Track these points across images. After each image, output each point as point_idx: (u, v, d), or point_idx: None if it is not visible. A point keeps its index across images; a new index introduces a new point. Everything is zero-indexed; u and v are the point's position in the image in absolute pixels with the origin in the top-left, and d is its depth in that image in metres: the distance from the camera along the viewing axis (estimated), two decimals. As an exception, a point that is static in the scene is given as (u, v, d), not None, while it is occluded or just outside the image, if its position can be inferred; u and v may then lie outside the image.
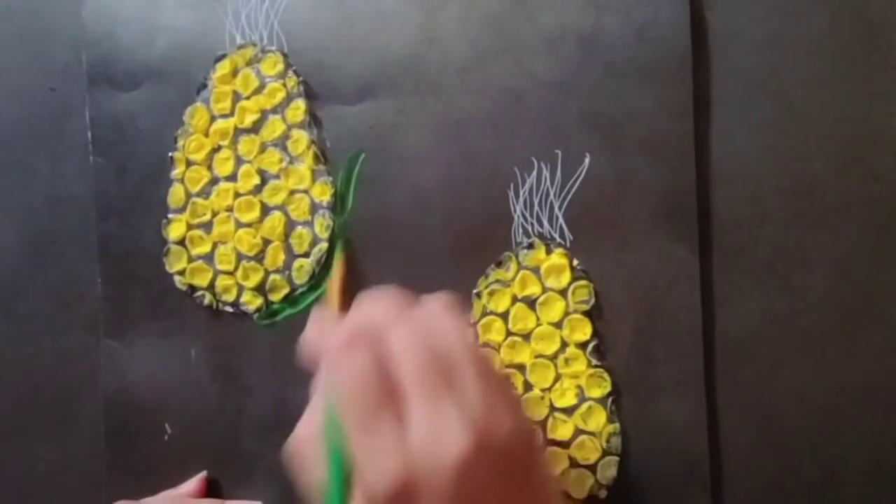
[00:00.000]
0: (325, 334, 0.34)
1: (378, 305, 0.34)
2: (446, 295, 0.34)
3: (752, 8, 0.42)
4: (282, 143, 0.46)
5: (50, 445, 0.51)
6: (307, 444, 0.32)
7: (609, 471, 0.42)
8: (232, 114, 0.47)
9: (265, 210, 0.47)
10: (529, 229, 0.44)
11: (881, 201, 0.41)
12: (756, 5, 0.42)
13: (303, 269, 0.46)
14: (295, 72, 0.46)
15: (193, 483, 0.47)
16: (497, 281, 0.44)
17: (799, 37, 0.42)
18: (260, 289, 0.47)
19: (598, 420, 0.42)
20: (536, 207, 0.43)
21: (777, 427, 0.41)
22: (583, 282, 0.43)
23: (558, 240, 0.43)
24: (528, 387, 0.43)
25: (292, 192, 0.46)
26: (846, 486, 0.41)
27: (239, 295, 0.47)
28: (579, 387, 0.42)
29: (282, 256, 0.47)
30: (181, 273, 0.48)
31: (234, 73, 0.47)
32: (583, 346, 0.43)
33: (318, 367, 0.34)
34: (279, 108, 0.47)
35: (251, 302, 0.47)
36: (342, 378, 0.31)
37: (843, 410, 0.41)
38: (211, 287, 0.48)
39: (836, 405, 0.41)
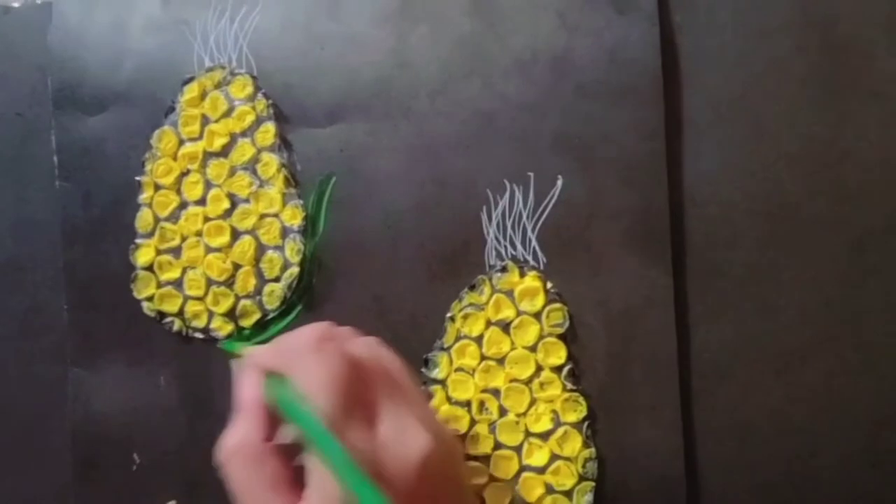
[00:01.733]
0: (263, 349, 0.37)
1: (313, 328, 0.36)
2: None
3: (721, 30, 0.42)
4: (251, 166, 0.46)
5: (16, 475, 0.50)
6: (247, 447, 0.33)
7: (585, 496, 0.41)
8: (200, 137, 0.46)
9: (235, 234, 0.46)
10: (503, 252, 0.43)
11: (853, 221, 0.41)
12: (725, 28, 0.42)
13: (274, 293, 0.46)
14: (265, 94, 0.46)
15: (162, 514, 0.47)
16: (471, 304, 0.43)
17: (768, 59, 0.42)
18: (230, 314, 0.46)
19: (574, 445, 0.42)
20: (509, 230, 0.43)
21: (753, 448, 0.41)
22: (557, 305, 0.42)
23: (532, 262, 0.43)
24: (502, 412, 0.43)
25: (262, 216, 0.46)
26: (827, 502, 0.41)
27: (209, 321, 0.46)
28: (554, 411, 0.42)
29: (252, 281, 0.46)
30: (150, 299, 0.47)
31: (203, 96, 0.47)
32: (558, 369, 0.42)
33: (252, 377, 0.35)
34: (249, 132, 0.46)
35: (221, 328, 0.46)
36: (319, 375, 0.32)
37: (818, 431, 0.41)
38: (180, 313, 0.47)
39: (812, 426, 0.41)
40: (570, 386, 0.42)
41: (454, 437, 0.36)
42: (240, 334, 0.46)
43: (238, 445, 0.34)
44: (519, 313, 0.43)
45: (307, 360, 0.33)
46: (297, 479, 0.32)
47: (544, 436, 0.42)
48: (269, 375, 0.35)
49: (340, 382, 0.32)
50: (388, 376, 0.35)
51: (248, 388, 0.36)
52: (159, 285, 0.47)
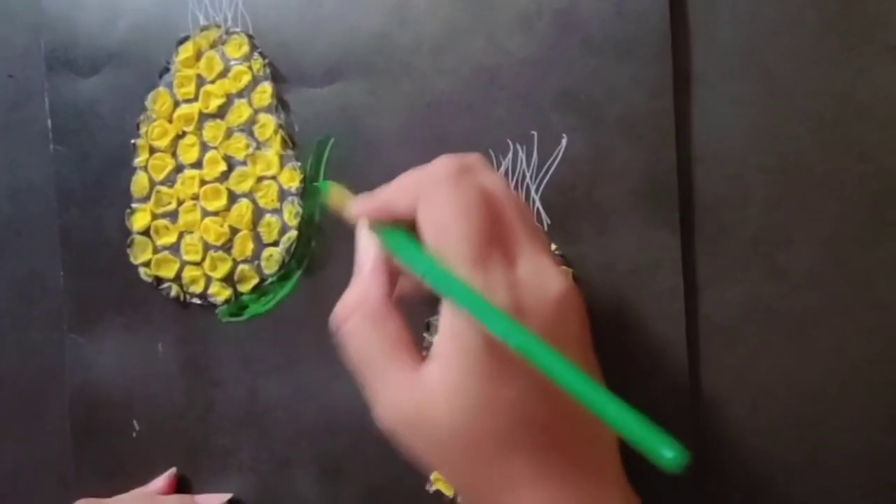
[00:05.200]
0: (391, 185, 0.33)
1: (448, 160, 0.33)
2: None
3: (732, -20, 0.40)
4: (248, 128, 0.45)
5: (15, 444, 0.49)
6: (366, 305, 0.31)
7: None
8: (196, 98, 0.45)
9: (232, 198, 0.45)
10: (506, 213, 0.42)
11: (867, 179, 0.39)
12: (736, -23, 0.40)
13: (272, 258, 0.45)
14: (261, 54, 0.45)
15: (162, 480, 0.46)
16: (473, 267, 0.42)
17: (780, 11, 0.40)
18: (228, 279, 0.45)
19: (579, 409, 0.41)
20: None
21: (763, 412, 0.40)
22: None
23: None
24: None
25: (260, 179, 0.45)
26: (833, 471, 0.40)
27: (207, 286, 0.46)
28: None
29: (250, 246, 0.45)
30: (146, 264, 0.46)
31: (198, 56, 0.45)
32: (562, 333, 0.41)
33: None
34: (245, 92, 0.45)
35: (219, 293, 0.45)
36: (457, 208, 0.30)
37: (830, 395, 0.40)
38: (177, 278, 0.46)
39: (823, 389, 0.40)
40: (575, 350, 0.41)
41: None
42: (237, 300, 0.45)
43: (356, 304, 0.32)
44: (523, 276, 0.42)
45: (444, 192, 0.30)
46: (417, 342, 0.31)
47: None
48: (386, 227, 0.33)
49: (480, 217, 0.30)
50: (525, 214, 0.33)
51: (364, 244, 0.34)
52: (156, 250, 0.46)
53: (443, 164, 0.32)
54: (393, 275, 0.33)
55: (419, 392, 0.30)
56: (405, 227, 0.32)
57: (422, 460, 0.31)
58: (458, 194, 0.30)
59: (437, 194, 0.30)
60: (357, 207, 0.35)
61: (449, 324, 0.30)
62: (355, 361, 0.31)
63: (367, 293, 0.32)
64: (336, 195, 0.39)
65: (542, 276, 0.31)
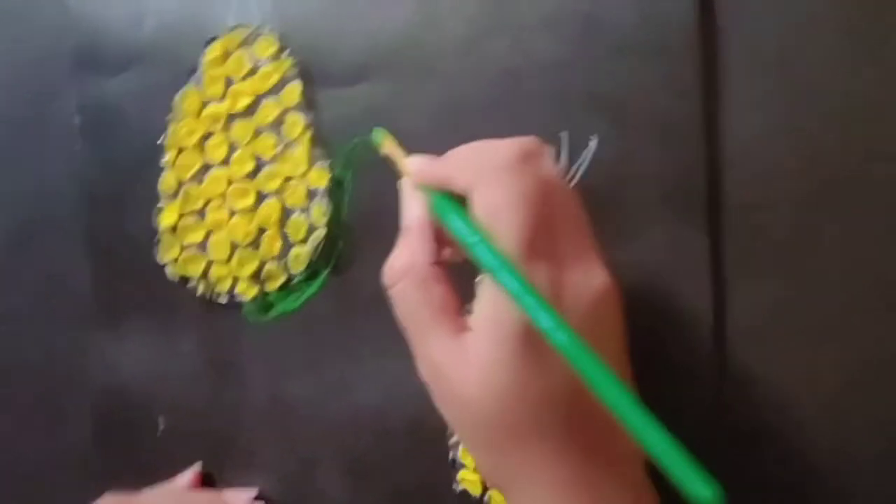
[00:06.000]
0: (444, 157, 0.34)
1: (513, 143, 0.32)
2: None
3: (760, -18, 0.40)
4: (276, 127, 0.45)
5: (40, 440, 0.50)
6: (413, 268, 0.32)
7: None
8: (224, 98, 0.46)
9: (260, 197, 0.45)
10: (533, 214, 0.42)
11: (895, 180, 0.39)
12: (764, -20, 0.40)
13: (299, 257, 0.45)
14: (290, 54, 0.45)
15: (187, 476, 0.46)
16: (500, 267, 0.42)
17: (807, 12, 0.40)
18: (255, 278, 0.46)
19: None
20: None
21: (789, 413, 0.40)
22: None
23: (563, 225, 0.42)
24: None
25: (288, 178, 0.45)
26: (859, 472, 0.40)
27: (233, 285, 0.46)
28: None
29: (277, 244, 0.45)
30: (173, 262, 0.46)
31: (226, 56, 0.46)
32: (589, 333, 0.41)
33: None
34: (273, 92, 0.45)
35: (246, 292, 0.46)
36: (508, 199, 0.30)
37: (857, 398, 0.40)
38: (204, 276, 0.46)
39: (851, 393, 0.40)
40: (601, 350, 0.41)
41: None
42: (264, 298, 0.46)
43: (404, 268, 0.32)
44: (550, 276, 0.42)
45: (504, 179, 0.30)
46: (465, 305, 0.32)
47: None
48: (438, 193, 0.33)
49: (535, 209, 0.30)
50: (575, 208, 0.33)
51: (414, 206, 0.34)
52: (182, 249, 0.46)
53: (507, 149, 0.31)
54: (437, 237, 0.33)
55: (456, 364, 0.31)
56: (453, 195, 0.32)
57: (447, 421, 0.33)
58: (518, 184, 0.30)
59: (496, 180, 0.30)
60: (414, 167, 0.35)
61: (490, 300, 0.30)
62: (403, 322, 0.32)
63: (414, 257, 0.33)
64: (389, 145, 0.38)
65: (585, 273, 0.31)
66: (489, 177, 0.31)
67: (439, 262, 0.33)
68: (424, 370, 0.32)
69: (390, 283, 0.33)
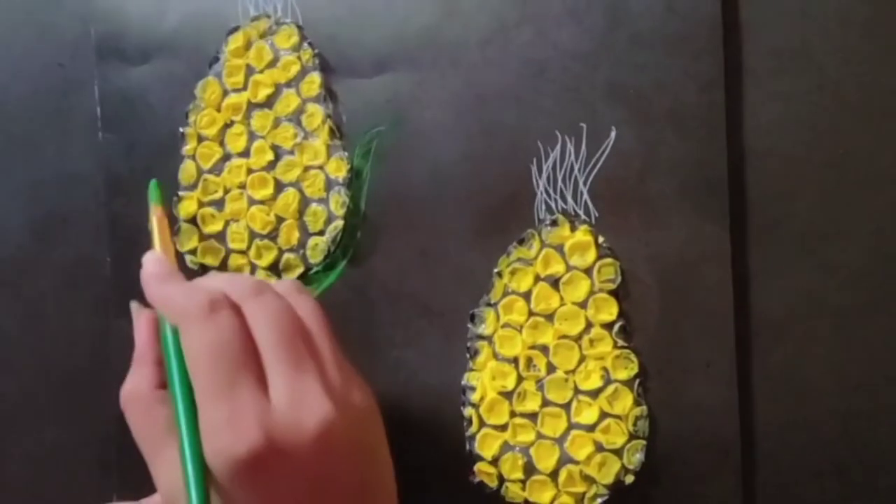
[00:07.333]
0: (168, 285, 0.35)
1: (231, 278, 0.35)
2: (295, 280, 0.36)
3: (785, -26, 0.40)
4: (296, 117, 0.45)
5: (59, 429, 0.50)
6: (137, 395, 0.34)
7: (636, 455, 0.41)
8: (245, 88, 0.46)
9: (279, 187, 0.45)
10: (553, 206, 0.42)
11: (919, 175, 0.39)
12: (790, -29, 0.40)
13: (318, 247, 0.45)
14: (310, 44, 0.45)
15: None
16: (519, 259, 0.42)
17: (831, 5, 0.40)
18: (273, 268, 0.46)
19: (625, 403, 0.41)
20: (560, 183, 0.42)
21: (810, 407, 0.40)
22: (608, 260, 0.41)
23: (583, 216, 0.42)
24: (551, 369, 0.42)
25: (307, 169, 0.45)
26: (880, 466, 0.40)
27: (252, 274, 0.46)
28: (605, 368, 0.41)
29: (296, 235, 0.45)
30: (192, 252, 0.47)
31: (248, 46, 0.46)
32: (608, 326, 0.41)
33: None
34: (293, 82, 0.45)
35: (265, 281, 0.46)
36: (204, 340, 0.31)
37: (878, 390, 0.39)
38: (223, 266, 0.46)
39: (872, 385, 0.39)
40: (620, 343, 0.41)
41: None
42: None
43: (129, 393, 0.35)
44: (569, 268, 0.42)
45: (194, 327, 0.32)
46: None
47: (594, 393, 0.41)
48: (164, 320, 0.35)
49: (224, 355, 0.31)
50: (296, 336, 0.33)
51: (140, 332, 0.37)
52: (202, 238, 0.47)
53: (199, 298, 0.33)
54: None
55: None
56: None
57: None
58: (206, 332, 0.32)
59: (186, 328, 0.32)
60: (146, 267, 0.37)
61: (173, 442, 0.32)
62: (136, 442, 0.34)
63: (137, 384, 0.35)
64: (159, 215, 0.41)
65: (301, 401, 0.31)
66: (183, 327, 0.32)
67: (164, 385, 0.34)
68: (160, 486, 0.33)
69: (122, 407, 0.35)
